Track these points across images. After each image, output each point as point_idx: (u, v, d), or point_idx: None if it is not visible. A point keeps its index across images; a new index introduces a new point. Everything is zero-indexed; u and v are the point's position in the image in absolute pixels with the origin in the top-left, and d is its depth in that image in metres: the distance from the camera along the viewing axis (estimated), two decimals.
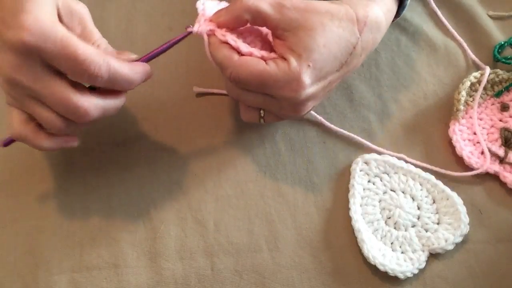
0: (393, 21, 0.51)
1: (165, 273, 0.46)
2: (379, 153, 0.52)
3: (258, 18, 0.42)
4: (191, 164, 0.51)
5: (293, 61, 0.41)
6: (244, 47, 0.43)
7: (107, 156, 0.51)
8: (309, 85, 0.42)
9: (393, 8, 0.49)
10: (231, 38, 0.43)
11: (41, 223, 0.48)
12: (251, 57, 0.43)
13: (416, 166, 0.51)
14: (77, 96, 0.40)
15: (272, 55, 0.43)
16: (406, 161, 0.51)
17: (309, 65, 0.42)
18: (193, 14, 0.59)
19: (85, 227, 0.48)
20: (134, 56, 0.44)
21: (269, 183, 0.50)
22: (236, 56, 0.42)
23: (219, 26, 0.43)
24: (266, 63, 0.42)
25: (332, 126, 0.53)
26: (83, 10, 0.44)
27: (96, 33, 0.44)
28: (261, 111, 0.46)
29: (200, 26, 0.44)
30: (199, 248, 0.47)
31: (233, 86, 0.44)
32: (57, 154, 0.51)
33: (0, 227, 0.48)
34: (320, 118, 0.53)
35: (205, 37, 0.44)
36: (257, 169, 0.51)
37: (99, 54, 0.40)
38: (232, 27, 0.43)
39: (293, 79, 0.41)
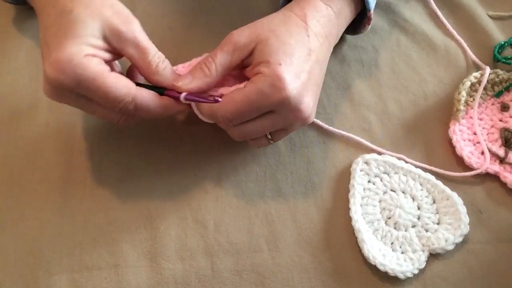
0: (369, 19, 0.52)
1: (165, 273, 0.46)
2: (379, 153, 0.52)
3: (228, 70, 0.45)
4: (191, 164, 0.51)
5: (265, 69, 0.43)
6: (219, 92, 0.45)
7: (107, 156, 0.51)
8: (291, 79, 0.43)
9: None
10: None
11: (41, 223, 0.48)
12: (231, 92, 0.44)
13: (416, 166, 0.51)
14: (114, 114, 0.44)
15: (244, 83, 0.45)
16: (406, 161, 0.51)
17: (280, 64, 0.43)
18: (193, 14, 0.59)
19: (85, 227, 0.48)
20: (187, 87, 0.45)
21: (269, 183, 0.50)
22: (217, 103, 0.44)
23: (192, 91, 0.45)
24: (244, 86, 0.44)
25: (331, 128, 0.53)
26: (134, 29, 0.44)
27: (150, 50, 0.44)
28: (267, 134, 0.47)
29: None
30: (199, 248, 0.47)
31: (233, 128, 0.45)
32: (56, 154, 0.51)
33: (0, 227, 0.48)
34: (317, 121, 0.53)
35: (194, 107, 0.46)
36: (257, 169, 0.51)
37: (127, 90, 0.42)
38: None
39: (273, 82, 0.42)
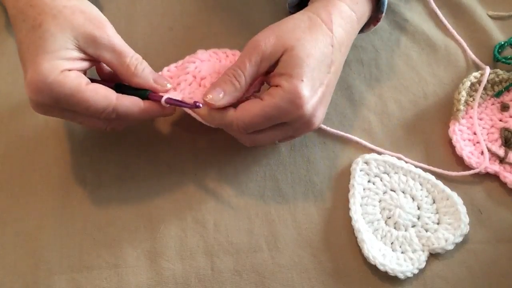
0: (377, 18, 0.52)
1: (165, 273, 0.46)
2: (379, 153, 0.52)
3: (255, 79, 0.45)
4: (191, 164, 0.51)
5: (285, 83, 0.43)
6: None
7: (107, 156, 0.51)
8: (310, 97, 0.43)
9: (363, 1, 0.49)
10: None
11: (41, 223, 0.48)
12: (247, 102, 0.44)
13: (416, 166, 0.51)
14: (101, 122, 0.44)
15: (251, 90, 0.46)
16: (406, 162, 0.51)
17: (302, 80, 0.43)
18: (193, 14, 0.59)
19: (85, 227, 0.48)
20: (168, 87, 0.46)
21: (269, 183, 0.50)
22: (232, 110, 0.44)
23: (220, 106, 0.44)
24: (261, 98, 0.43)
25: (330, 129, 0.53)
26: (108, 33, 0.43)
27: (127, 53, 0.44)
28: None
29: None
30: (199, 248, 0.47)
31: (246, 136, 0.46)
32: (56, 154, 0.51)
33: (0, 227, 0.48)
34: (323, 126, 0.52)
35: (192, 113, 0.46)
36: (257, 169, 0.51)
37: (107, 102, 0.42)
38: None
39: (293, 99, 0.42)
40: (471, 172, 0.51)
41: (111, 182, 0.50)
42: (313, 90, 0.43)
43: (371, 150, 0.52)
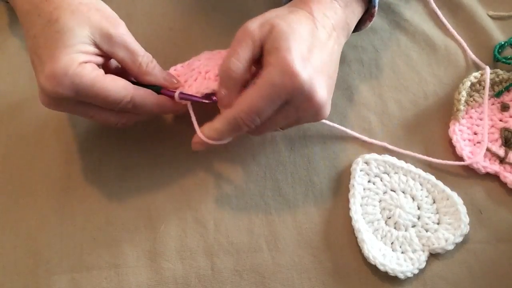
0: (371, 13, 0.51)
1: (165, 273, 0.46)
2: (383, 148, 0.52)
3: (252, 63, 0.44)
4: (191, 164, 0.51)
5: (273, 58, 0.42)
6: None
7: (107, 156, 0.51)
8: (302, 64, 0.42)
9: None
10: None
11: (41, 223, 0.48)
12: (242, 93, 0.43)
13: (405, 155, 0.51)
14: (113, 116, 0.45)
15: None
16: (407, 162, 0.51)
17: (289, 50, 0.42)
18: (193, 14, 0.59)
19: (85, 227, 0.48)
20: (177, 84, 0.47)
21: (269, 183, 0.50)
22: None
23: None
24: (253, 83, 0.43)
25: (334, 124, 0.52)
26: (123, 31, 0.44)
27: (139, 51, 0.45)
28: None
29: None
30: (199, 248, 0.47)
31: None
32: (56, 154, 0.51)
33: (0, 227, 0.48)
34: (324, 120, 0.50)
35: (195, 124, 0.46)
36: (257, 169, 0.51)
37: (125, 91, 0.43)
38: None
39: (284, 68, 0.41)
40: (462, 163, 0.51)
41: (111, 182, 0.50)
42: (305, 58, 0.42)
43: (371, 150, 0.52)
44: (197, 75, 0.48)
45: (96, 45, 0.43)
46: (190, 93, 0.46)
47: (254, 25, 0.44)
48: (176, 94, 0.46)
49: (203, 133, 0.45)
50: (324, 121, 0.51)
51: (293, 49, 0.42)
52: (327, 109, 0.45)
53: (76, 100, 0.42)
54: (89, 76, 0.41)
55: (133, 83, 0.46)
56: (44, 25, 0.42)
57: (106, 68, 0.48)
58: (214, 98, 0.45)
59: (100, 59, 0.44)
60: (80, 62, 0.41)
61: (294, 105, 0.43)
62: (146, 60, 0.45)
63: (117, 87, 0.43)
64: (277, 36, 0.42)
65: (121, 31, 0.44)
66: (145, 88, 0.45)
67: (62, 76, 0.40)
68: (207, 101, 0.46)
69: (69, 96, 0.41)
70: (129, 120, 0.47)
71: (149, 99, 0.45)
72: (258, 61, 0.45)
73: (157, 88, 0.46)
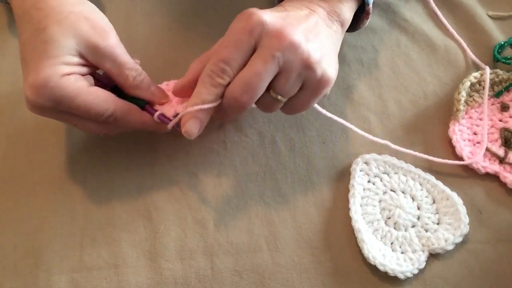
0: (367, 13, 0.51)
1: (165, 273, 0.46)
2: (383, 148, 0.52)
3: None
4: (191, 164, 0.51)
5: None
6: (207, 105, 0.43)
7: (107, 156, 0.51)
8: (264, 12, 0.41)
9: None
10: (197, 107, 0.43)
11: (41, 223, 0.48)
12: (234, 80, 0.41)
13: (402, 155, 0.51)
14: (97, 127, 0.45)
15: None
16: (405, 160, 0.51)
17: (254, 8, 0.42)
18: (193, 14, 0.59)
19: (85, 227, 0.48)
20: (165, 100, 0.46)
21: (269, 183, 0.50)
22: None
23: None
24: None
25: (338, 119, 0.50)
26: (111, 43, 0.43)
27: (127, 64, 0.44)
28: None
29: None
30: (199, 248, 0.47)
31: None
32: (56, 154, 0.51)
33: (0, 227, 0.48)
34: (324, 111, 0.49)
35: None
36: (257, 169, 0.51)
37: (107, 105, 0.43)
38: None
39: (241, 15, 0.41)
40: (461, 162, 0.51)
41: (111, 182, 0.50)
42: (271, 12, 0.42)
43: (371, 150, 0.52)
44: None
45: (82, 56, 0.43)
46: (174, 112, 0.45)
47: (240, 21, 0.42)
48: (156, 115, 0.45)
49: (188, 106, 0.42)
50: (324, 111, 0.49)
51: (262, 11, 0.41)
52: (325, 65, 0.42)
53: (58, 110, 0.42)
54: (70, 88, 0.41)
55: (124, 93, 0.45)
56: (32, 32, 0.42)
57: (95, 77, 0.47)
58: None
59: (85, 70, 0.44)
60: (63, 74, 0.41)
61: (265, 45, 0.40)
62: (133, 74, 0.45)
63: (99, 100, 0.42)
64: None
65: (109, 42, 0.43)
66: (129, 103, 0.45)
67: (43, 87, 0.40)
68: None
69: (50, 107, 0.41)
70: (113, 131, 0.46)
71: (132, 114, 0.44)
72: None
73: (141, 103, 0.45)
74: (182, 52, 0.54)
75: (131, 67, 0.44)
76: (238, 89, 0.41)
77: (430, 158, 0.51)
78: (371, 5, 0.51)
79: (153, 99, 0.46)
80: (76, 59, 0.42)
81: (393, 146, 0.51)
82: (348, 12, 0.49)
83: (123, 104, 0.44)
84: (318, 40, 0.43)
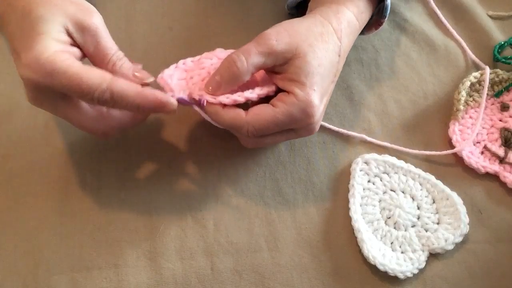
0: (380, 22, 0.53)
1: (165, 273, 0.46)
2: (383, 148, 0.52)
3: (256, 72, 0.45)
4: (191, 164, 0.51)
5: (299, 92, 0.43)
6: (237, 96, 0.44)
7: (107, 156, 0.51)
8: (319, 106, 0.44)
9: (367, 9, 0.50)
10: (224, 97, 0.44)
11: (41, 223, 0.48)
12: (258, 106, 0.44)
13: (402, 154, 0.51)
14: (93, 122, 0.44)
15: (265, 89, 0.45)
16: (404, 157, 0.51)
17: (314, 90, 0.44)
18: (193, 14, 0.59)
19: (85, 227, 0.48)
20: (149, 80, 0.44)
21: (269, 183, 0.50)
22: (242, 113, 0.44)
23: (217, 94, 0.44)
24: (273, 105, 0.43)
25: (332, 127, 0.53)
26: (97, 24, 0.43)
27: (110, 48, 0.43)
28: None
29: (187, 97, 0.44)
30: (199, 248, 0.47)
31: (250, 139, 0.46)
32: (56, 154, 0.51)
33: (0, 227, 0.48)
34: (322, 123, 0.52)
35: (201, 112, 0.45)
36: (257, 169, 0.51)
37: (101, 78, 0.40)
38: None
39: (305, 108, 0.43)
40: (454, 150, 0.51)
41: (111, 182, 0.50)
42: (321, 100, 0.45)
43: (371, 150, 0.52)
44: (206, 75, 0.46)
45: (69, 34, 0.42)
46: (193, 92, 0.44)
47: (280, 41, 0.44)
48: (178, 97, 0.43)
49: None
50: (322, 123, 0.52)
51: (317, 88, 0.44)
52: (319, 122, 0.47)
53: (54, 94, 0.41)
54: (63, 62, 0.40)
55: None
56: (18, 19, 0.42)
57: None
58: (205, 102, 0.44)
59: (76, 51, 0.43)
60: (54, 50, 0.40)
61: (297, 132, 0.46)
62: (114, 59, 0.44)
63: (92, 73, 0.40)
64: (305, 70, 0.44)
65: (95, 21, 0.43)
66: (126, 80, 0.42)
67: (35, 63, 0.39)
68: (197, 105, 0.44)
69: (44, 83, 0.40)
70: (112, 130, 0.45)
71: (129, 88, 0.41)
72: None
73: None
74: (183, 52, 0.54)
75: (113, 53, 0.44)
76: (251, 144, 0.47)
77: (426, 152, 0.52)
78: (386, 19, 0.52)
79: (135, 81, 0.43)
80: (65, 37, 0.42)
81: (393, 146, 0.52)
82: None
83: (120, 80, 0.41)
84: (329, 91, 0.47)
